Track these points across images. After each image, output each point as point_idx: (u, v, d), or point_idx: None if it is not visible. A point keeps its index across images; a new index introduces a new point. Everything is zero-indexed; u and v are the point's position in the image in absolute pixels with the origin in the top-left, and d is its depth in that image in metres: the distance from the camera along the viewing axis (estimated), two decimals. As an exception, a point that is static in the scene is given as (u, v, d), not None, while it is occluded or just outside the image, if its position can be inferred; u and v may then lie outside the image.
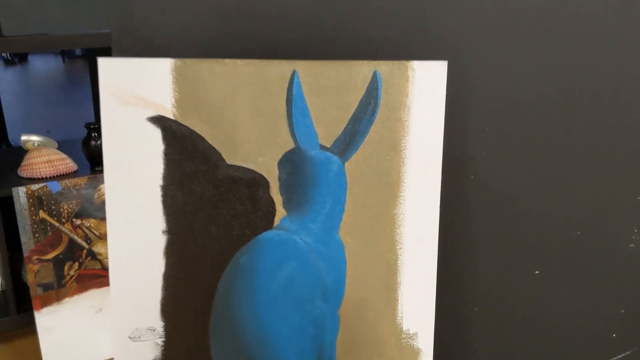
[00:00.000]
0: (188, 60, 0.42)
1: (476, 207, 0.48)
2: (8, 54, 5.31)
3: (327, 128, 0.44)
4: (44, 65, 5.71)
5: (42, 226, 1.71)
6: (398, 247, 0.47)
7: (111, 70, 0.42)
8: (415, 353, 0.48)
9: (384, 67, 0.44)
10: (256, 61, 0.43)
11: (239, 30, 0.45)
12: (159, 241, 0.45)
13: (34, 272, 1.70)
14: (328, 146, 0.45)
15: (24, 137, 1.94)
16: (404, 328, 0.47)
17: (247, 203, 0.45)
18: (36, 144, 1.92)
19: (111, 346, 0.46)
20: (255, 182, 0.45)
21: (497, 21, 0.45)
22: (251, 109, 0.44)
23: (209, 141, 0.44)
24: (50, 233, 1.72)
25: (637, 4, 0.42)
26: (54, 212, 1.72)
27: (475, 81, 0.46)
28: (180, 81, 0.43)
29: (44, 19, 1.57)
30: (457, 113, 0.46)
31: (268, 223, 0.46)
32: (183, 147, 0.44)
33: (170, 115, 0.43)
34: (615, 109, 0.45)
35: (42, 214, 1.70)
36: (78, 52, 5.43)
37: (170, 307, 0.46)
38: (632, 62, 0.43)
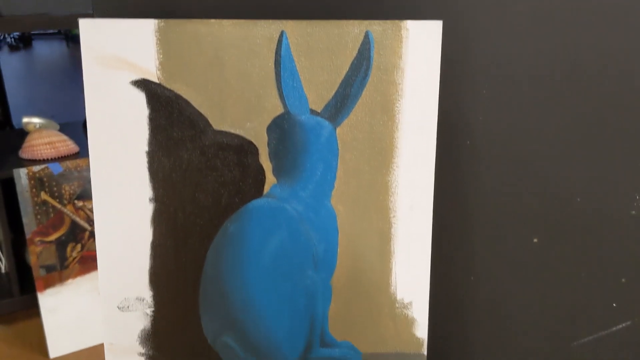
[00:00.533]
0: (172, 21, 0.41)
1: (472, 174, 0.46)
2: (12, 39, 5.29)
3: (317, 92, 0.43)
4: (48, 50, 5.71)
5: (44, 208, 1.70)
6: (392, 215, 0.45)
7: (93, 32, 0.41)
8: (409, 322, 0.46)
9: (376, 27, 0.42)
10: (242, 21, 0.41)
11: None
12: (146, 209, 0.44)
13: (37, 254, 1.71)
14: (319, 111, 0.43)
15: (25, 120, 1.94)
16: (398, 297, 0.46)
17: (235, 170, 0.44)
18: (37, 125, 1.91)
19: (101, 317, 0.45)
20: (243, 149, 0.44)
21: (494, -21, 0.43)
22: (238, 72, 0.42)
23: (195, 106, 0.42)
24: (52, 215, 1.72)
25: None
26: (56, 194, 1.71)
27: (471, 42, 0.44)
28: (164, 43, 0.41)
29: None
30: (453, 76, 0.44)
31: (257, 191, 0.44)
32: (168, 112, 0.42)
33: (154, 79, 0.42)
34: (621, 69, 0.43)
35: (43, 196, 1.70)
36: (81, 36, 5.40)
37: (159, 277, 0.45)
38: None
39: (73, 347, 1.77)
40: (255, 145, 0.43)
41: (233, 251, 0.44)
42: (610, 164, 0.45)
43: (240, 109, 0.43)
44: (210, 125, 0.43)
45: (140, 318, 0.46)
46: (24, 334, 1.84)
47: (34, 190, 1.68)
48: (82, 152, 1.83)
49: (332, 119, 0.44)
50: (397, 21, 0.42)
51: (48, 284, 1.72)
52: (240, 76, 0.42)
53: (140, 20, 0.41)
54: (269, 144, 0.44)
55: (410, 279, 0.46)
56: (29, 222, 1.68)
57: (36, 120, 1.94)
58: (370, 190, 0.45)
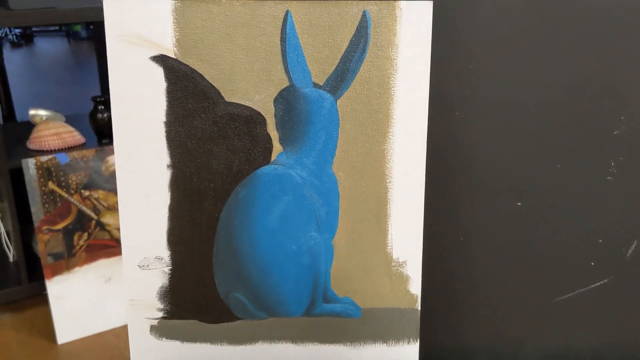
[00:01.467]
0: (187, 1, 0.45)
1: (461, 142, 0.51)
2: (14, 36, 5.32)
3: (319, 66, 0.47)
4: (49, 47, 5.73)
5: (52, 197, 1.75)
6: (387, 181, 0.49)
7: (116, 11, 0.45)
8: (404, 279, 0.51)
9: (372, 7, 0.46)
10: (251, 2, 0.45)
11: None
12: (164, 175, 0.48)
13: (45, 242, 1.75)
14: (321, 84, 0.48)
15: (32, 112, 1.98)
16: (394, 257, 0.50)
17: (245, 139, 0.48)
18: (44, 117, 1.95)
19: (123, 275, 0.50)
20: (252, 119, 0.48)
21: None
22: (247, 48, 0.46)
23: (208, 79, 0.47)
24: (59, 204, 1.77)
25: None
26: (63, 184, 1.76)
27: (460, 20, 0.48)
28: (180, 21, 0.46)
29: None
30: (443, 52, 0.48)
31: (265, 158, 0.49)
32: (184, 85, 0.47)
33: (171, 55, 0.46)
34: (600, 44, 0.47)
35: (51, 185, 1.74)
36: (83, 33, 5.44)
37: (176, 238, 0.49)
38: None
39: (80, 333, 1.82)
40: (263, 116, 0.48)
41: (244, 213, 0.49)
42: (588, 134, 0.49)
43: (249, 82, 0.47)
44: (222, 97, 0.47)
45: (158, 276, 0.50)
46: (32, 320, 1.88)
47: (41, 180, 1.72)
48: (88, 142, 1.87)
49: (333, 91, 0.48)
50: (391, 1, 0.46)
51: (56, 272, 1.77)
52: (249, 52, 0.46)
53: (158, 0, 0.45)
54: (275, 115, 0.48)
55: (405, 240, 0.50)
56: (37, 211, 1.73)
57: (42, 112, 1.98)
58: (368, 157, 0.49)
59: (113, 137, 0.47)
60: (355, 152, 0.49)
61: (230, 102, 0.47)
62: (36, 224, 1.72)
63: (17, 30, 5.21)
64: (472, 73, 0.49)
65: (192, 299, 0.50)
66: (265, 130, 0.48)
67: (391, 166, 0.49)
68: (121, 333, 1.84)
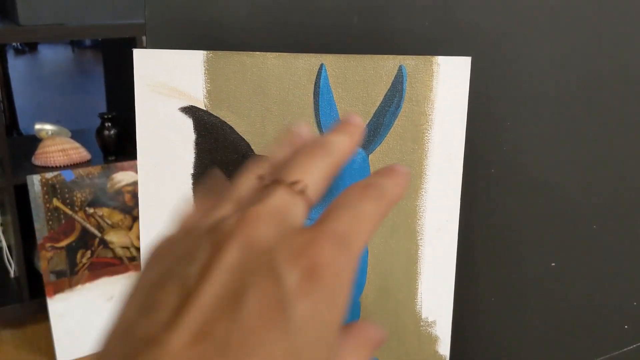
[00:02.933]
0: (219, 52, 0.44)
1: (495, 201, 0.49)
2: (18, 44, 5.34)
3: (352, 121, 0.46)
4: (53, 55, 5.75)
5: (56, 214, 1.73)
6: (419, 238, 0.48)
7: (145, 61, 0.44)
8: (433, 340, 0.49)
9: (409, 62, 0.45)
10: (285, 54, 0.44)
11: (268, 23, 0.46)
12: (189, 228, 0.46)
13: (47, 259, 1.73)
14: (353, 138, 0.46)
15: (37, 126, 1.97)
16: (423, 316, 0.49)
17: (273, 192, 0.46)
18: (50, 132, 1.94)
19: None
20: (282, 172, 0.46)
21: (518, 17, 0.46)
22: (279, 101, 0.45)
23: (239, 132, 0.45)
24: (63, 221, 1.75)
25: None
26: (68, 201, 1.74)
27: (498, 77, 0.47)
28: (212, 73, 0.44)
29: (60, 9, 1.59)
30: (480, 108, 0.47)
31: (293, 212, 0.47)
32: (214, 137, 0.45)
33: (201, 106, 0.45)
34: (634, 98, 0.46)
35: (55, 202, 1.72)
36: (87, 42, 5.45)
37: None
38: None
39: (81, 352, 1.79)
40: (293, 170, 0.46)
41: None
42: (625, 193, 0.48)
43: (280, 135, 0.45)
44: (252, 150, 0.46)
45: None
46: (33, 338, 1.86)
47: (46, 196, 1.71)
48: (94, 159, 1.86)
49: (365, 146, 0.46)
50: (429, 56, 0.45)
51: (57, 290, 1.75)
52: (281, 105, 0.45)
53: (189, 51, 0.44)
54: (305, 169, 0.46)
55: (435, 299, 0.49)
56: (41, 228, 1.71)
57: (48, 127, 1.97)
58: (399, 213, 0.47)
59: (138, 188, 0.46)
60: (386, 208, 0.47)
61: (260, 155, 0.46)
62: (39, 241, 1.70)
63: (23, 38, 5.20)
64: (510, 131, 0.47)
65: None
66: (295, 183, 0.46)
67: (423, 223, 0.48)
68: (121, 353, 1.82)
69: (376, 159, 0.47)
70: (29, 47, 5.55)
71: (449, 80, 0.45)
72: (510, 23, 0.46)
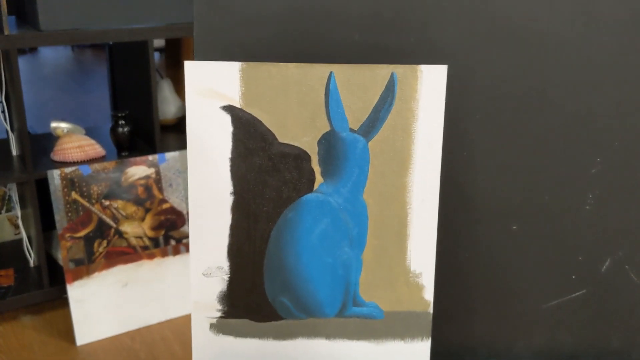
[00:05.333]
0: (252, 64, 0.57)
1: (468, 177, 0.62)
2: (20, 44, 5.39)
3: (355, 115, 0.59)
4: (53, 54, 5.83)
5: (74, 206, 1.86)
6: (408, 207, 0.61)
7: (195, 70, 0.56)
8: (420, 288, 0.62)
9: (399, 70, 0.58)
10: (303, 64, 0.57)
11: (290, 41, 0.59)
12: (228, 200, 0.59)
13: (67, 249, 1.86)
14: (356, 129, 0.59)
15: (53, 124, 2.09)
16: (412, 269, 0.62)
17: (294, 172, 0.59)
18: (65, 130, 2.06)
19: (190, 282, 0.61)
20: (300, 156, 0.59)
21: (489, 31, 0.59)
22: (298, 100, 0.58)
23: (266, 125, 0.58)
24: (81, 213, 1.87)
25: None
26: (85, 194, 1.87)
27: (469, 80, 0.60)
28: (246, 79, 0.57)
29: (78, 14, 1.71)
30: (454, 105, 0.60)
31: (309, 188, 0.60)
32: (246, 129, 0.58)
33: (237, 105, 0.57)
34: (587, 96, 0.59)
35: (74, 195, 1.85)
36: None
37: (235, 251, 0.60)
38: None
39: (99, 335, 1.91)
40: (308, 154, 0.59)
41: (290, 232, 0.60)
42: (571, 171, 0.61)
43: (298, 127, 0.58)
44: (276, 139, 0.58)
45: (219, 282, 0.61)
46: (53, 323, 1.98)
47: (65, 190, 1.83)
48: (108, 155, 1.98)
49: (365, 135, 0.59)
50: (414, 65, 0.58)
51: (76, 277, 1.87)
52: (299, 104, 0.58)
53: (228, 62, 0.56)
54: (318, 153, 0.59)
55: (421, 255, 0.61)
56: (61, 219, 1.83)
57: (64, 125, 2.09)
58: (392, 188, 0.60)
59: (188, 169, 0.58)
60: (382, 184, 0.60)
61: (282, 143, 0.58)
62: (59, 232, 1.82)
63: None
64: (478, 122, 0.60)
65: (245, 302, 0.61)
66: (310, 165, 0.59)
67: (411, 195, 0.60)
68: (136, 335, 1.94)
69: (374, 145, 0.59)
70: (30, 48, 5.64)
71: (430, 84, 0.58)
72: (476, 39, 0.59)
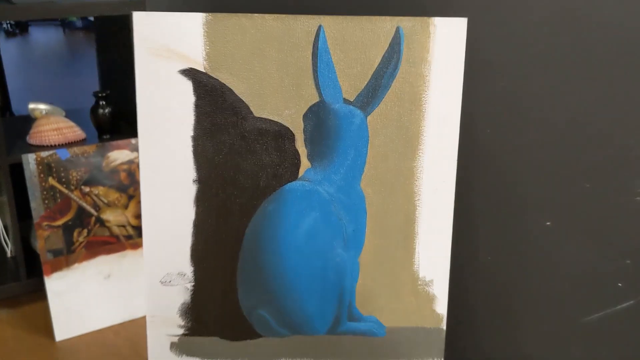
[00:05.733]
0: (219, 15, 0.44)
1: (492, 160, 0.50)
2: (9, 26, 5.28)
3: (350, 82, 0.46)
4: (44, 37, 5.68)
5: (52, 193, 1.73)
6: (416, 199, 0.49)
7: (145, 24, 0.44)
8: (430, 299, 0.50)
9: (406, 23, 0.45)
10: (283, 16, 0.44)
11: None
12: (190, 190, 0.47)
13: (44, 238, 1.73)
14: (351, 100, 0.47)
15: (31, 105, 1.96)
16: (420, 275, 0.50)
17: (273, 154, 0.47)
18: (44, 112, 1.93)
19: (143, 290, 0.49)
20: (281, 135, 0.47)
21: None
22: (278, 62, 0.45)
23: (238, 94, 0.46)
24: (59, 200, 1.75)
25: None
26: (63, 180, 1.74)
27: (493, 38, 0.48)
28: (211, 35, 0.44)
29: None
30: (476, 70, 0.48)
31: (293, 174, 0.48)
32: (213, 99, 0.46)
33: (201, 68, 0.45)
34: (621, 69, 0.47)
35: (51, 181, 1.72)
36: (79, 24, 5.40)
37: (200, 253, 0.48)
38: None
39: (79, 330, 1.80)
40: (292, 132, 0.47)
41: (270, 229, 0.48)
42: (616, 155, 0.49)
43: (279, 97, 0.46)
44: (251, 112, 0.46)
45: (181, 292, 0.49)
46: (30, 317, 1.87)
47: (42, 175, 1.71)
48: (89, 138, 1.85)
49: (363, 108, 0.47)
50: (425, 18, 0.45)
51: (55, 268, 1.75)
52: (279, 66, 0.45)
53: (189, 14, 0.44)
54: (304, 131, 0.47)
55: (432, 259, 0.50)
56: (37, 207, 1.71)
57: (42, 106, 1.96)
58: (397, 174, 0.48)
59: (139, 150, 0.46)
60: (385, 169, 0.48)
61: (259, 117, 0.46)
62: (36, 220, 1.70)
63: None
64: (504, 91, 0.48)
65: (214, 315, 0.50)
66: (294, 145, 0.47)
67: (420, 184, 0.49)
68: (120, 330, 1.83)
69: (374, 120, 0.47)
70: (20, 29, 5.49)
71: (446, 42, 0.46)
72: (506, -16, 0.47)
